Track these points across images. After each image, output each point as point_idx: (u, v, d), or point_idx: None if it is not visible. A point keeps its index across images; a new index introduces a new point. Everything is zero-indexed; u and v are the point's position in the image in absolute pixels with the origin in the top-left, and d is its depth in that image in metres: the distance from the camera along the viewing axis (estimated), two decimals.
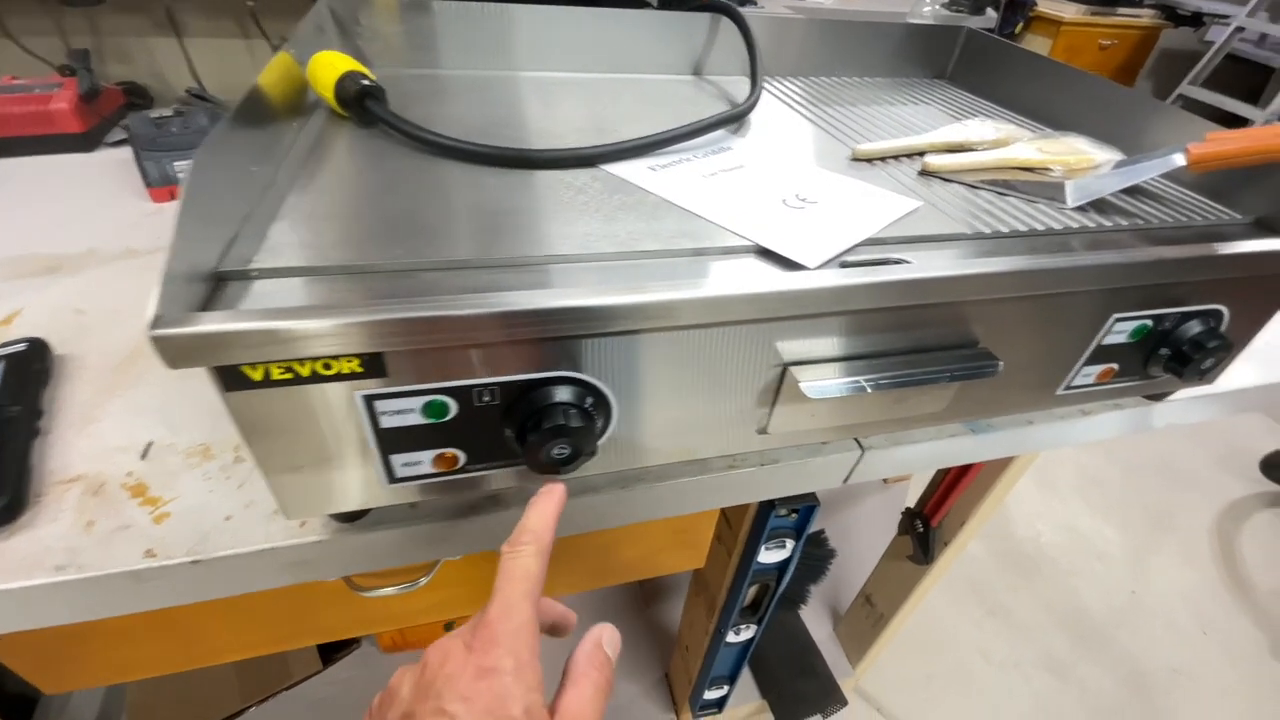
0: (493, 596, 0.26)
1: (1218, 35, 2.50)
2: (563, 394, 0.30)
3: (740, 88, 0.61)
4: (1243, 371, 0.55)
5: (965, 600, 1.47)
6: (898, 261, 0.35)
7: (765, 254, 0.35)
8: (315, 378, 0.26)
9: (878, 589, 1.04)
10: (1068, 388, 0.42)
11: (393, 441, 0.29)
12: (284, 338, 0.24)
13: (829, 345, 0.33)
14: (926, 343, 0.35)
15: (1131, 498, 1.73)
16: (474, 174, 0.39)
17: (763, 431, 0.37)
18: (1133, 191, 0.46)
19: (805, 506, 0.63)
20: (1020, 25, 2.50)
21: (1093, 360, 0.41)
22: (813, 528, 0.71)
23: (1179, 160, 0.41)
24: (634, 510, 0.41)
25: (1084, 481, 1.75)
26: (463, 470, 0.32)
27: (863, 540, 1.33)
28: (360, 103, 0.42)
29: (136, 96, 0.85)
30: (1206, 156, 0.40)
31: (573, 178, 0.40)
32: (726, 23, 0.62)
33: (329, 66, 0.44)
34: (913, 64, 0.72)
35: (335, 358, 0.26)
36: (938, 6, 1.41)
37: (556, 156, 0.40)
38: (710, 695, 0.95)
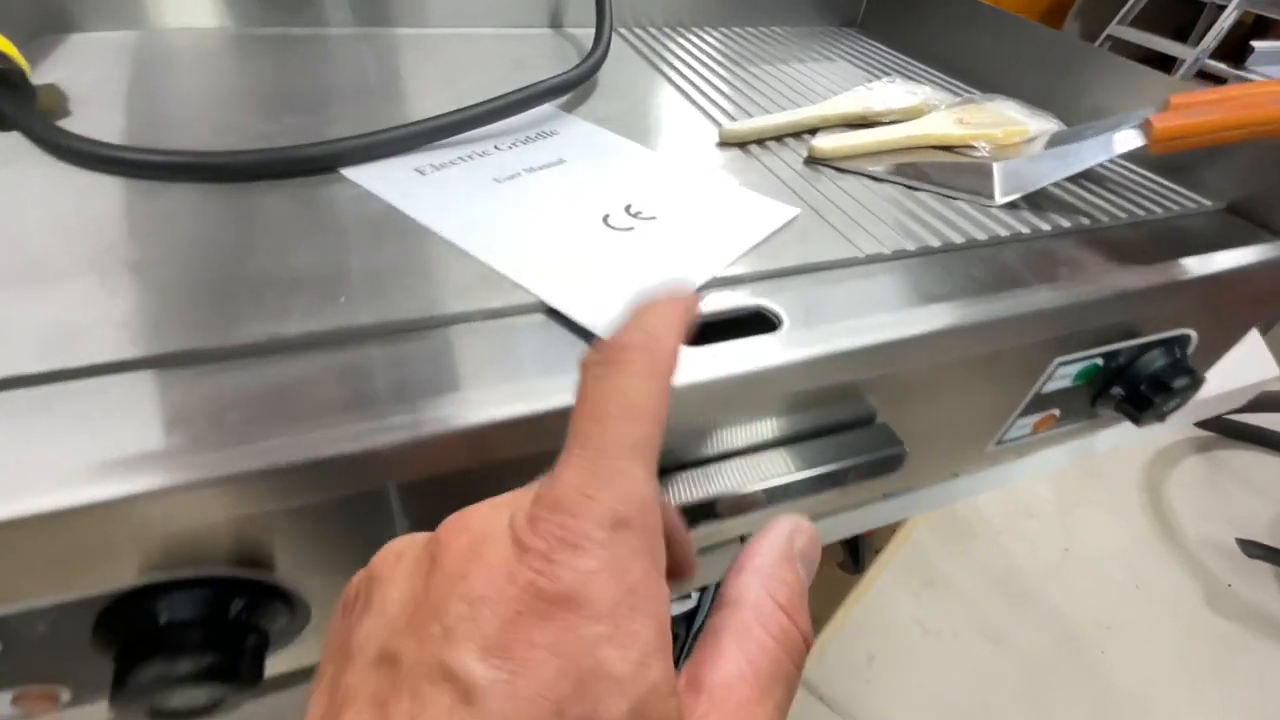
0: (564, 451, 0.13)
1: None
2: (185, 607, 0.18)
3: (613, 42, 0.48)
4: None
5: (905, 571, 1.44)
6: (749, 319, 0.23)
7: (556, 313, 0.23)
8: None
9: (810, 593, 0.97)
10: (999, 443, 0.33)
11: None
12: None
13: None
14: (798, 429, 0.24)
15: None
16: (134, 195, 0.25)
17: None
18: None
19: None
20: None
21: (1029, 411, 0.31)
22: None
23: (1135, 140, 0.30)
24: None
25: None
26: (79, 702, 0.20)
27: None
28: None
29: None
30: (1172, 132, 0.29)
31: (278, 195, 0.26)
32: None
33: None
34: (817, 10, 0.60)
35: None
36: None
37: (257, 162, 0.26)
38: None
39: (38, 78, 0.35)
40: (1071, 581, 1.45)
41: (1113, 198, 0.35)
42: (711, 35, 0.54)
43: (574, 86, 0.36)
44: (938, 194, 0.33)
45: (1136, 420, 0.32)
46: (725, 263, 0.25)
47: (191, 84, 0.36)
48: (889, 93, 0.42)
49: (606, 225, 0.27)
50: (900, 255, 0.28)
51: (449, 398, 0.18)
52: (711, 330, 0.24)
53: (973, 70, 0.50)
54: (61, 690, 0.19)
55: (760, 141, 0.36)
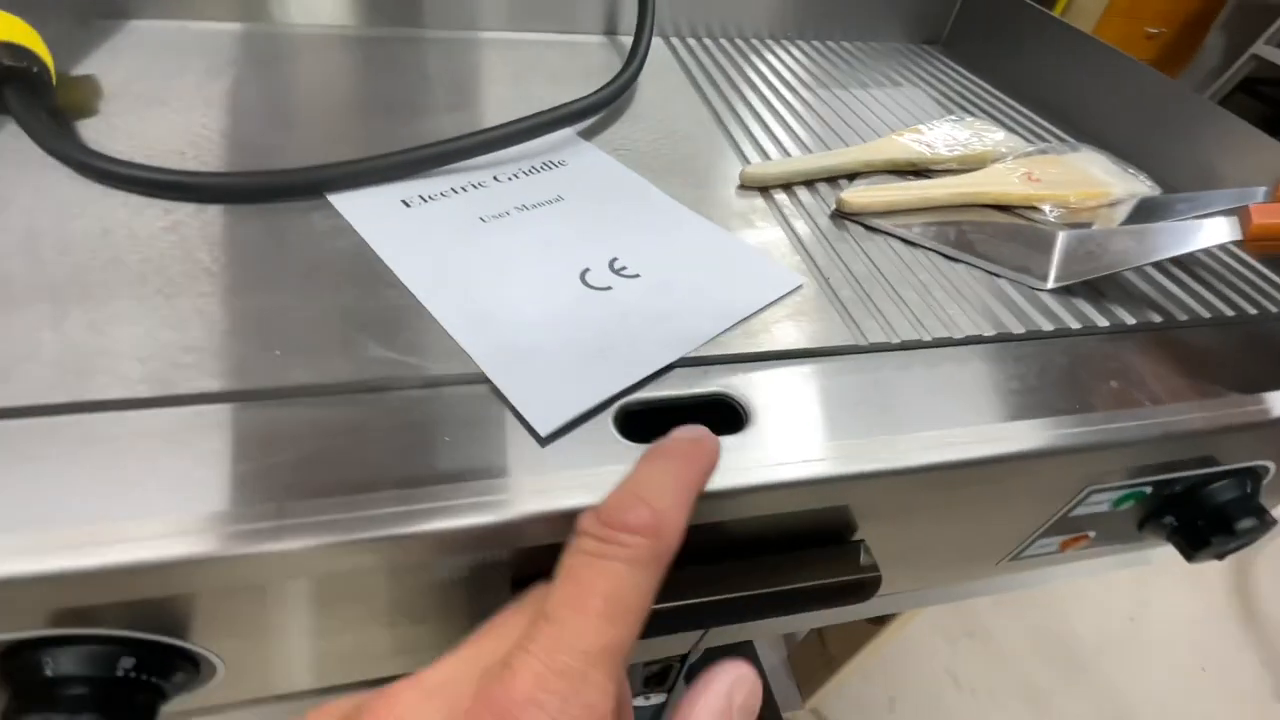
0: (531, 629, 0.12)
1: None
2: (71, 663, 0.17)
3: (660, 53, 0.46)
4: None
5: (942, 616, 1.36)
6: (710, 405, 0.21)
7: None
8: None
9: (831, 630, 0.93)
10: (1015, 558, 0.29)
11: None
12: None
13: None
14: (749, 535, 0.22)
15: None
16: (117, 209, 0.25)
17: None
18: None
19: None
20: None
21: (1054, 532, 0.27)
22: None
23: (1227, 232, 0.25)
24: None
25: None
26: None
27: None
28: None
29: None
30: (1272, 231, 0.24)
31: (257, 220, 0.26)
32: None
33: None
34: (898, 25, 0.55)
35: None
36: None
37: (239, 185, 0.26)
38: None
39: (83, 66, 0.36)
40: (1130, 653, 1.33)
41: (1194, 285, 0.30)
42: (775, 52, 0.50)
43: (582, 118, 0.33)
44: (980, 268, 0.29)
45: (1189, 557, 0.27)
46: (699, 342, 0.23)
47: (222, 85, 0.36)
48: (949, 135, 0.37)
49: (583, 283, 0.25)
50: (910, 345, 0.24)
51: (348, 500, 0.16)
52: (662, 414, 0.21)
53: (1064, 109, 0.44)
54: None
55: (787, 186, 0.33)
